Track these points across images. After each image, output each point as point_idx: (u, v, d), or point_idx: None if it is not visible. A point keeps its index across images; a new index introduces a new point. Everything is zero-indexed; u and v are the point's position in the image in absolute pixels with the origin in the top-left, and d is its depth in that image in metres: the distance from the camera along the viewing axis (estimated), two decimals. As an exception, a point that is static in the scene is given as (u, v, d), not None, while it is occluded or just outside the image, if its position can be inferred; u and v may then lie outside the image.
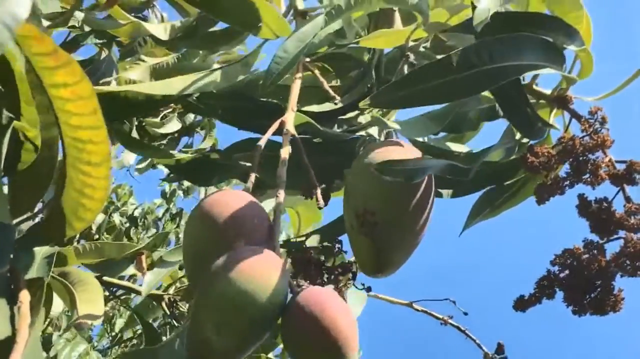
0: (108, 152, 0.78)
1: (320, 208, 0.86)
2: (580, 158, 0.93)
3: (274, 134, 0.93)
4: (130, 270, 1.69)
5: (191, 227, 0.86)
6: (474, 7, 0.93)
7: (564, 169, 0.96)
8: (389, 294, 1.82)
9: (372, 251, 0.94)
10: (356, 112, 1.19)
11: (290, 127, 0.92)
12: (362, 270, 0.97)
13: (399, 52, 1.15)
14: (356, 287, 0.98)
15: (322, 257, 0.94)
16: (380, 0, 0.99)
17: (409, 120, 1.09)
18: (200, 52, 1.66)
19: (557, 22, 0.96)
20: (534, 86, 1.09)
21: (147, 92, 1.05)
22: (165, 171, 2.04)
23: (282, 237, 2.06)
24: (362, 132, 1.16)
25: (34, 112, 0.84)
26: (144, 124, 2.41)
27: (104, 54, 1.78)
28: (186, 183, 4.12)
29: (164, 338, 1.93)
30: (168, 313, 1.88)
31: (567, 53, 0.97)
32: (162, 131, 2.47)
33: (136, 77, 1.44)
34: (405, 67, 1.10)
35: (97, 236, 3.52)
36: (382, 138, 1.15)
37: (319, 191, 0.87)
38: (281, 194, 0.84)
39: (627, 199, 0.92)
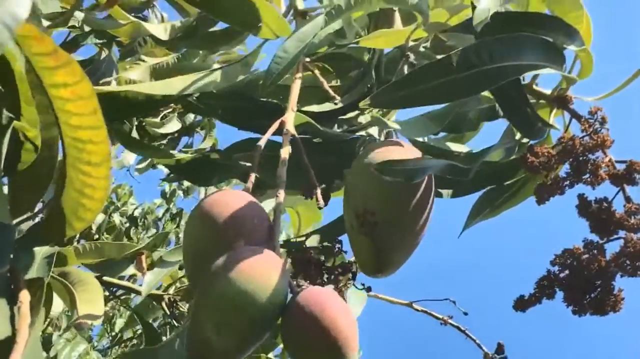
0: (108, 152, 0.78)
1: (320, 208, 0.86)
2: (580, 158, 0.93)
3: (274, 134, 0.93)
4: (130, 270, 1.69)
5: (191, 227, 0.86)
6: (473, 7, 0.93)
7: (564, 169, 0.96)
8: (389, 294, 1.82)
9: (372, 251, 0.94)
10: (356, 112, 1.19)
11: (290, 127, 0.92)
12: (362, 270, 0.97)
13: (399, 52, 1.15)
14: (356, 287, 0.98)
15: (322, 258, 0.94)
16: (380, 0, 0.99)
17: (409, 120, 1.09)
18: (200, 52, 1.66)
19: (557, 22, 0.96)
20: (534, 86, 1.09)
21: (147, 92, 1.05)
22: (165, 170, 2.04)
23: (282, 237, 2.06)
24: (362, 132, 1.16)
25: (34, 112, 0.84)
26: (144, 124, 2.41)
27: (104, 54, 1.78)
28: (186, 183, 4.12)
29: (164, 338, 1.93)
30: (168, 313, 1.88)
31: (567, 53, 0.97)
32: (162, 130, 2.47)
33: (136, 77, 1.44)
34: (405, 67, 1.10)
35: (97, 236, 3.52)
36: (382, 138, 1.15)
37: (319, 191, 0.87)
38: (281, 194, 0.84)
39: (627, 199, 0.92)
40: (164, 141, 2.53)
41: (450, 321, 1.81)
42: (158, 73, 1.48)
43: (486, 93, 1.12)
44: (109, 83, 1.56)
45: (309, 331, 0.73)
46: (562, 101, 1.05)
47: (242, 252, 0.75)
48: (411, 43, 1.12)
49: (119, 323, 4.00)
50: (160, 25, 1.53)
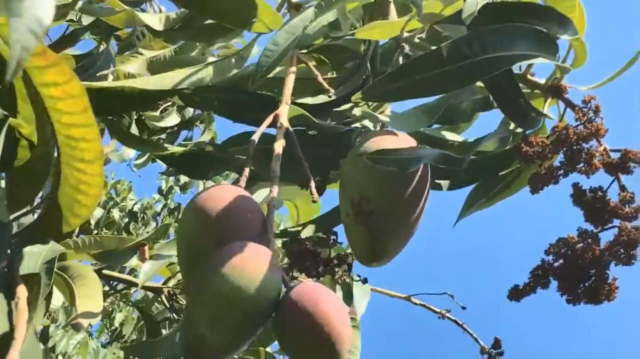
0: (100, 149, 0.79)
1: (314, 201, 0.86)
2: (574, 147, 0.93)
3: (269, 126, 0.94)
4: (131, 262, 1.69)
5: (185, 221, 0.86)
6: (464, -1, 0.93)
7: (558, 159, 0.96)
8: (387, 287, 1.83)
9: (368, 240, 0.94)
10: (351, 104, 1.18)
11: (284, 120, 0.92)
12: (357, 259, 0.97)
13: (394, 43, 1.14)
14: (352, 278, 0.99)
15: (318, 249, 0.94)
16: (372, -9, 0.99)
17: (402, 113, 1.09)
18: (198, 45, 1.66)
19: (550, 11, 0.95)
20: (529, 76, 1.08)
21: (141, 87, 1.05)
22: (165, 165, 2.05)
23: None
24: (357, 124, 1.16)
25: (30, 110, 0.84)
26: (143, 117, 2.41)
27: (102, 48, 1.78)
28: (183, 179, 4.13)
29: (163, 332, 1.94)
30: (168, 306, 1.89)
31: (562, 42, 0.97)
32: (162, 124, 2.47)
33: (134, 70, 1.44)
34: (401, 59, 1.10)
35: (95, 232, 3.53)
36: (378, 129, 1.15)
37: (312, 184, 0.87)
38: (275, 189, 0.84)
39: (622, 188, 0.92)
40: (163, 135, 2.53)
41: (447, 314, 1.82)
42: (155, 66, 1.49)
43: (480, 83, 1.12)
44: (106, 76, 1.56)
45: (302, 327, 0.74)
46: (556, 91, 1.04)
47: (235, 247, 0.75)
48: (406, 34, 1.12)
49: (119, 317, 4.02)
50: (155, 15, 1.52)
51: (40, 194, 1.00)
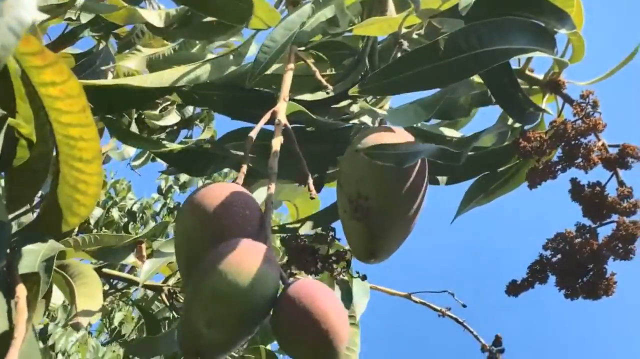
0: (99, 148, 0.79)
1: (312, 198, 0.86)
2: (572, 142, 0.93)
3: (267, 123, 0.94)
4: (130, 260, 1.69)
5: (182, 218, 0.86)
6: (462, -7, 0.93)
7: (557, 154, 0.96)
8: (386, 285, 1.82)
9: (365, 236, 0.94)
10: (349, 100, 1.18)
11: (282, 117, 0.92)
12: (355, 256, 0.97)
13: (392, 39, 1.14)
14: (351, 275, 0.99)
15: (317, 246, 0.94)
16: (370, -13, 0.99)
17: (399, 108, 1.09)
18: (198, 42, 1.66)
19: (548, 5, 0.95)
20: (527, 71, 1.08)
21: (139, 84, 1.05)
22: (165, 164, 2.04)
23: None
24: (356, 121, 1.16)
25: (29, 109, 0.84)
26: (143, 116, 2.41)
27: (101, 46, 1.78)
28: (182, 179, 4.12)
29: (163, 330, 1.94)
30: (168, 304, 1.89)
31: (560, 37, 0.96)
32: (162, 123, 2.47)
33: (133, 66, 1.44)
34: (399, 55, 1.10)
35: (95, 231, 3.53)
36: (377, 125, 1.15)
37: (310, 181, 0.86)
38: (272, 186, 0.84)
39: (620, 183, 0.92)
40: (163, 134, 2.53)
41: (448, 312, 1.82)
42: (154, 64, 1.48)
43: (478, 79, 1.11)
44: (106, 72, 1.56)
45: (299, 323, 0.73)
46: (554, 86, 1.04)
47: (232, 244, 0.75)
48: (404, 30, 1.12)
49: (118, 316, 4.02)
50: (155, 12, 1.52)
51: (39, 193, 1.00)
